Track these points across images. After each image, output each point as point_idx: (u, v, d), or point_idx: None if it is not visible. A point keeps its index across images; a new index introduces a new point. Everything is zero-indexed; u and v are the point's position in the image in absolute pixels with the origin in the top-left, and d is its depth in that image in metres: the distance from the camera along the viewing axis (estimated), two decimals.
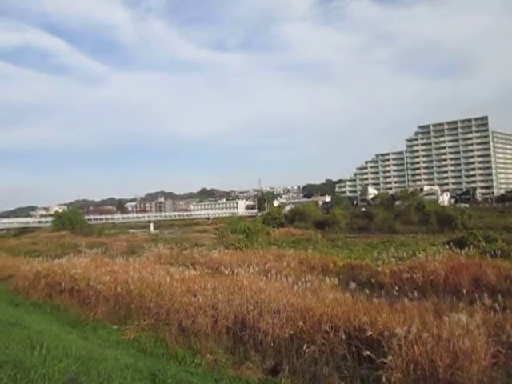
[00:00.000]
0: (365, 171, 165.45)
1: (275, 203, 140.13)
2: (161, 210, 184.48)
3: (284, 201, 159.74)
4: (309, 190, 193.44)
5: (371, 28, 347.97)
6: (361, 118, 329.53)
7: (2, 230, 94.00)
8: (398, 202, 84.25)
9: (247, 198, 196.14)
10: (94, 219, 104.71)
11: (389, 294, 9.57)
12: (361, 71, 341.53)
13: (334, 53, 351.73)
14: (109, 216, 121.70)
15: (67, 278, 15.13)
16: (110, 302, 12.42)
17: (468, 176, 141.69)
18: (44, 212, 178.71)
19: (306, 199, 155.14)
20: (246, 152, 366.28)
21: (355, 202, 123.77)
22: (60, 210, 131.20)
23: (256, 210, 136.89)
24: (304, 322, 7.86)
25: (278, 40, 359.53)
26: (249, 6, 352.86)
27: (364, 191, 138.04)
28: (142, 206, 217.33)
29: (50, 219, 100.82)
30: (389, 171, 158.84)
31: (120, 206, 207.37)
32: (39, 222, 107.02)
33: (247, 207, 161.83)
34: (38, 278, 16.83)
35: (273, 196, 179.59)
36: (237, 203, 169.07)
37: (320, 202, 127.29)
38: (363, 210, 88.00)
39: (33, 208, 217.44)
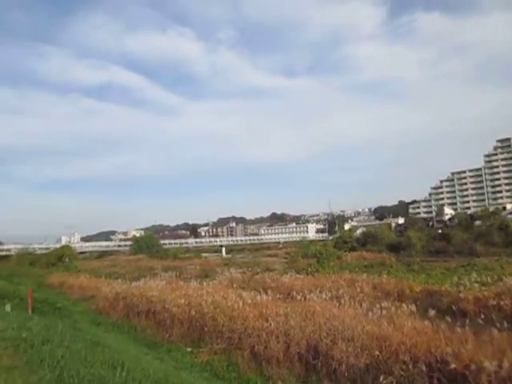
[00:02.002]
0: (440, 190, 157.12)
1: (346, 226, 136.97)
2: (232, 235, 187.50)
3: (355, 224, 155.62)
4: (380, 212, 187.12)
5: (443, 40, 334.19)
6: (434, 135, 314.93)
7: (85, 252, 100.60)
8: (477, 222, 78.86)
9: (317, 222, 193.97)
10: (169, 243, 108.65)
11: (473, 323, 8.87)
12: (433, 86, 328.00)
13: (405, 69, 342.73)
14: (183, 240, 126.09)
15: (144, 300, 15.76)
16: (184, 325, 12.72)
17: None
18: (123, 236, 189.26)
19: (377, 222, 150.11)
20: (315, 175, 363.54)
21: (431, 224, 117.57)
22: (137, 235, 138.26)
23: (327, 234, 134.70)
24: (380, 351, 7.52)
25: (347, 61, 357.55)
26: (315, 29, 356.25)
27: (440, 212, 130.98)
28: (214, 230, 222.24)
29: (128, 243, 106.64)
30: (466, 190, 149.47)
31: (193, 230, 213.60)
32: (118, 245, 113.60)
33: (317, 231, 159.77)
34: (117, 300, 17.72)
35: (343, 219, 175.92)
36: (307, 227, 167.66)
37: (393, 225, 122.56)
38: (440, 231, 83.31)
39: (113, 232, 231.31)
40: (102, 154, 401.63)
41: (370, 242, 72.65)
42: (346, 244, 71.64)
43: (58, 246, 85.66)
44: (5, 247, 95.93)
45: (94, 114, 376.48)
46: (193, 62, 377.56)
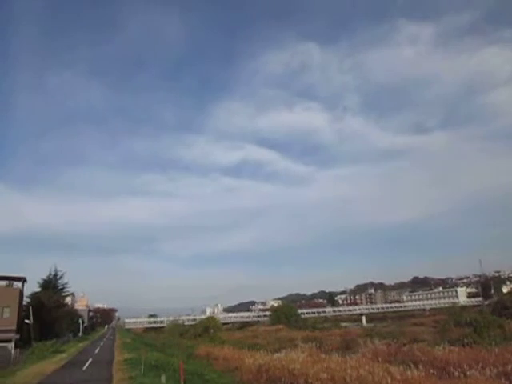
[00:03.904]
0: None
1: (504, 289, 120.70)
2: (371, 302, 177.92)
3: None
4: None
5: None
6: None
7: (228, 323, 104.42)
8: None
9: (467, 285, 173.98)
10: (307, 313, 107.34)
11: None
12: None
13: None
14: (320, 309, 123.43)
15: (286, 373, 15.51)
16: None
17: None
18: (262, 306, 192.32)
19: None
20: (460, 233, 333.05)
21: None
22: (275, 305, 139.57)
23: (481, 299, 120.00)
24: None
25: (482, 110, 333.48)
26: (446, 82, 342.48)
27: None
28: (351, 298, 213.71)
29: (267, 313, 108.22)
30: None
31: (330, 298, 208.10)
32: (258, 316, 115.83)
33: (469, 295, 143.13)
34: (260, 372, 17.73)
35: (500, 281, 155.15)
36: (456, 291, 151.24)
37: None
38: None
39: (252, 303, 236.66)
40: (239, 228, 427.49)
41: None
42: (507, 310, 63.67)
43: (203, 317, 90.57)
44: (158, 319, 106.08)
45: (232, 191, 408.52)
46: (320, 132, 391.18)
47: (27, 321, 47.02)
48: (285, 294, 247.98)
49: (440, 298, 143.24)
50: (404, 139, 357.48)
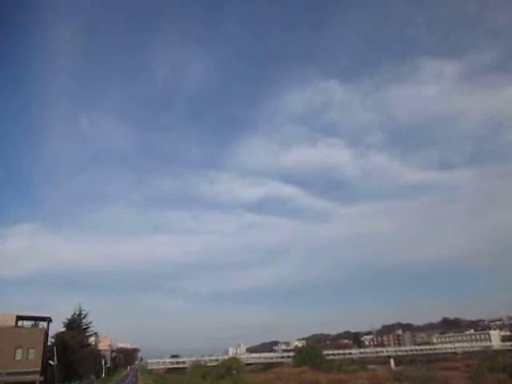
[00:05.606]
0: None
1: None
2: (399, 344, 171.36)
3: None
4: None
5: None
6: None
7: (251, 364, 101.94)
8: None
9: (501, 328, 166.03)
10: (332, 354, 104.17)
11: None
12: None
13: None
14: (346, 351, 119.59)
15: None
16: None
17: None
18: (285, 346, 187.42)
19: None
20: (491, 273, 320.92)
21: None
22: (299, 345, 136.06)
23: None
24: None
25: (510, 147, 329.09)
26: (471, 119, 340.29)
27: None
28: (378, 339, 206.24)
29: (291, 354, 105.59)
30: None
31: (356, 339, 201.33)
32: (282, 356, 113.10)
33: (503, 339, 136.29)
34: None
35: None
36: (489, 334, 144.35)
37: None
38: None
39: (275, 343, 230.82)
40: (262, 265, 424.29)
41: None
42: None
43: (225, 357, 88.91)
44: (181, 360, 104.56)
45: (255, 227, 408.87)
46: (343, 168, 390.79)
47: (51, 362, 47.12)
48: (309, 334, 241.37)
49: (472, 340, 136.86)
50: (430, 175, 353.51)
